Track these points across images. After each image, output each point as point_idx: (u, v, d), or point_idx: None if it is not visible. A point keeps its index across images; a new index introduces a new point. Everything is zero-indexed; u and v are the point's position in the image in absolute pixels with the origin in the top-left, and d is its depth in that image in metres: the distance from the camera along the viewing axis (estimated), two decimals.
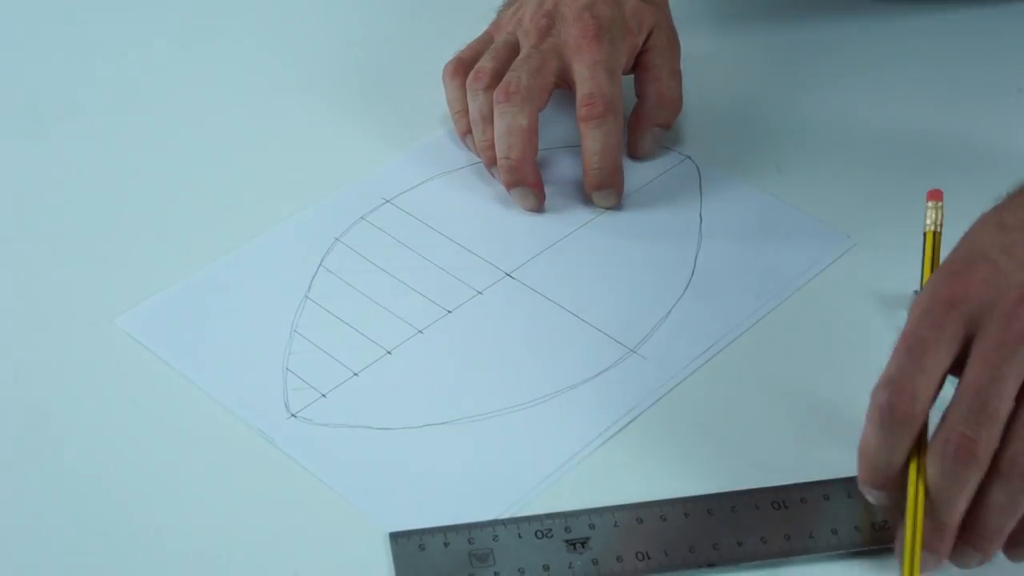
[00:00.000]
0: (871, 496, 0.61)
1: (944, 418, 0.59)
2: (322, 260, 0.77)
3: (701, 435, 0.67)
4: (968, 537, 0.60)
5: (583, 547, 0.62)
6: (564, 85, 0.81)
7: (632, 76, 0.83)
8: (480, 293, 0.75)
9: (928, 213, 0.70)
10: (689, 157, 0.83)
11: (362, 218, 0.80)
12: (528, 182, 0.79)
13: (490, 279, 0.76)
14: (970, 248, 0.61)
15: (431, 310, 0.74)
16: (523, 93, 0.78)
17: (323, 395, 0.70)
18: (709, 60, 0.85)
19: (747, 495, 0.63)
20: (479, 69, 0.81)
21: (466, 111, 0.82)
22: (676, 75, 0.83)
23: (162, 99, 0.90)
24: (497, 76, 0.80)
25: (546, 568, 0.61)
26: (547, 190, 0.80)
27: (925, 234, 0.70)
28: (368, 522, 0.64)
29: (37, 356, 0.73)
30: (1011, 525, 0.59)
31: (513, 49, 0.82)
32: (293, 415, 0.69)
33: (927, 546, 0.59)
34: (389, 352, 0.72)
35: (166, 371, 0.71)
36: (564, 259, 0.77)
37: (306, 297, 0.75)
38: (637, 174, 0.82)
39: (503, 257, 0.77)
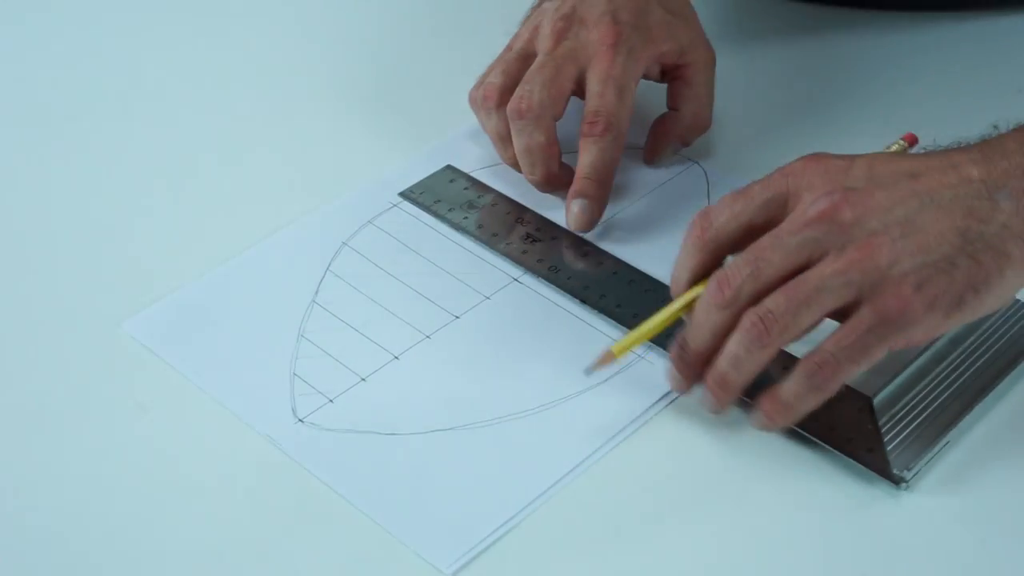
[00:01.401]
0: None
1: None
2: (329, 264, 0.77)
3: (711, 437, 0.67)
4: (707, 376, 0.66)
5: (535, 241, 0.77)
6: (580, 92, 0.79)
7: (657, 83, 0.82)
8: (488, 298, 0.75)
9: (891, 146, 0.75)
10: (697, 162, 0.83)
11: (370, 222, 0.80)
12: (562, 190, 0.79)
13: (498, 283, 0.76)
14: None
15: (439, 315, 0.74)
16: (536, 109, 0.77)
17: (330, 400, 0.70)
18: (716, 68, 0.85)
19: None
20: (487, 86, 0.79)
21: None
22: (711, 95, 0.82)
23: (168, 103, 0.90)
24: (507, 92, 0.78)
25: (509, 243, 0.78)
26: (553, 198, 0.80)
27: None
28: (374, 527, 0.64)
29: (44, 360, 0.73)
30: (738, 377, 0.64)
31: (526, 60, 0.79)
32: (300, 420, 0.69)
33: (675, 367, 0.67)
34: (396, 357, 0.72)
35: (173, 376, 0.71)
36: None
37: (313, 302, 0.75)
38: (647, 178, 0.82)
39: (511, 262, 0.77)
